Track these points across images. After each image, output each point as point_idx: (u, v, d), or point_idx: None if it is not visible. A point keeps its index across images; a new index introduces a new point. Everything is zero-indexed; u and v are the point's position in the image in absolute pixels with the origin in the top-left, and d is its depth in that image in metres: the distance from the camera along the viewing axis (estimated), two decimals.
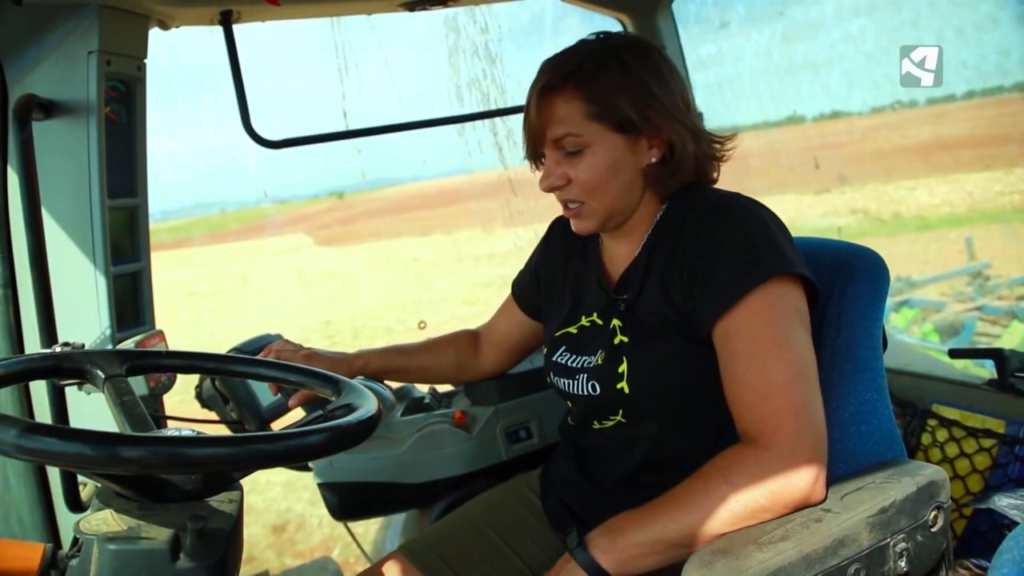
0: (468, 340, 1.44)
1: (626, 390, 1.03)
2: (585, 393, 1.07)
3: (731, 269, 0.95)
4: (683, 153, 1.04)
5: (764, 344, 0.92)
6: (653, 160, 1.05)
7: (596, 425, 1.10)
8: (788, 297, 0.95)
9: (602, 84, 1.01)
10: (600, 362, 1.06)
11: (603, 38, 1.06)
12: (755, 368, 0.92)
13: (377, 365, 1.38)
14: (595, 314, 1.12)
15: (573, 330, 1.14)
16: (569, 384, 1.10)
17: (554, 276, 1.23)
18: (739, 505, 0.86)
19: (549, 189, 1.07)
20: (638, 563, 0.89)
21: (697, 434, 1.03)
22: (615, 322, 1.07)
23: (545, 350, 1.18)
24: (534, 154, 1.09)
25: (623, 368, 1.03)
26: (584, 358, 1.09)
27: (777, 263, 0.94)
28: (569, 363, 1.11)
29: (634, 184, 1.05)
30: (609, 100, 1.00)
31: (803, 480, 0.87)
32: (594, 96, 1.01)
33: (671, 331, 1.01)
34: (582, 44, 1.06)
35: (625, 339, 1.05)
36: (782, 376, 0.90)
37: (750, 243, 0.96)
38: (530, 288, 1.30)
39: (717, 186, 1.11)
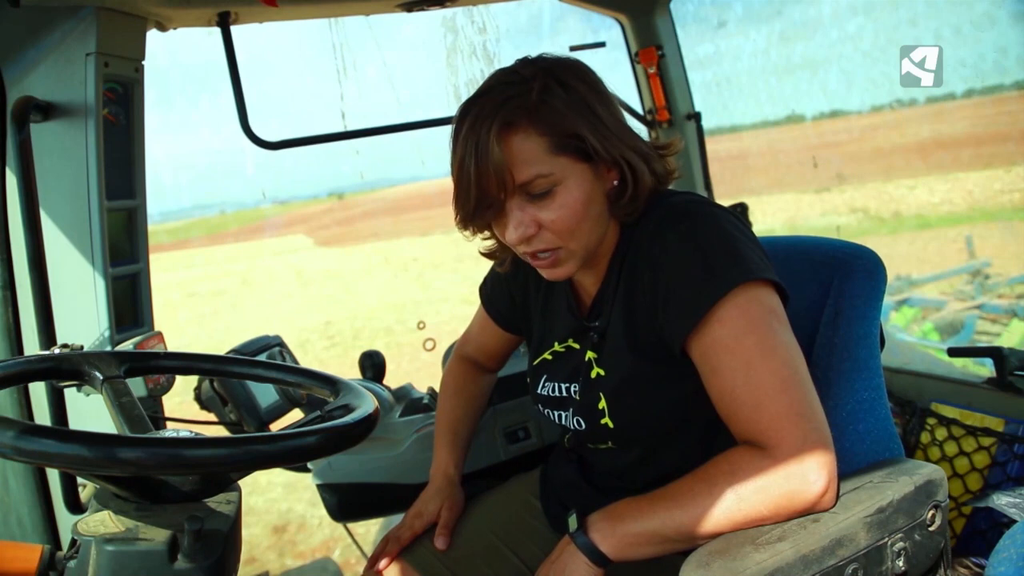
0: (474, 372, 1.37)
1: (610, 425, 1.02)
2: (572, 427, 1.07)
3: (690, 285, 0.90)
4: (641, 178, 0.96)
5: (746, 356, 0.87)
6: (615, 183, 0.97)
7: (591, 446, 1.10)
8: (759, 301, 0.89)
9: (555, 111, 0.91)
10: (579, 397, 1.05)
11: (532, 62, 0.96)
12: (742, 382, 0.87)
13: (458, 459, 1.30)
14: (569, 340, 1.09)
15: (548, 356, 1.12)
16: (556, 416, 1.10)
17: (527, 296, 1.18)
18: (741, 513, 0.85)
19: (521, 241, 0.95)
20: (636, 551, 0.89)
21: (692, 447, 1.01)
22: (590, 354, 1.05)
23: (529, 380, 1.16)
24: (487, 211, 0.94)
25: (602, 405, 1.02)
26: (565, 385, 1.08)
27: (737, 272, 0.88)
28: (552, 393, 1.10)
29: (603, 213, 0.98)
30: (566, 128, 0.91)
31: (810, 492, 0.84)
32: (551, 127, 0.91)
33: (645, 357, 0.97)
34: (514, 72, 0.95)
35: (601, 372, 1.03)
36: (772, 385, 0.86)
37: (705, 254, 0.90)
38: (507, 307, 1.24)
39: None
